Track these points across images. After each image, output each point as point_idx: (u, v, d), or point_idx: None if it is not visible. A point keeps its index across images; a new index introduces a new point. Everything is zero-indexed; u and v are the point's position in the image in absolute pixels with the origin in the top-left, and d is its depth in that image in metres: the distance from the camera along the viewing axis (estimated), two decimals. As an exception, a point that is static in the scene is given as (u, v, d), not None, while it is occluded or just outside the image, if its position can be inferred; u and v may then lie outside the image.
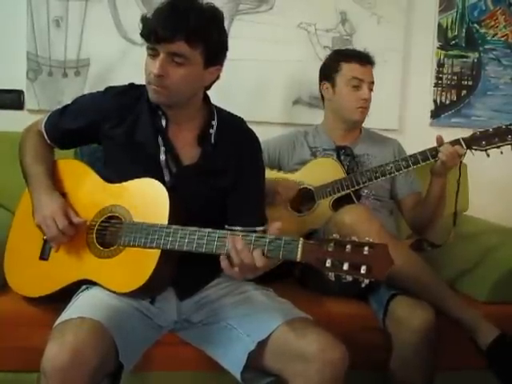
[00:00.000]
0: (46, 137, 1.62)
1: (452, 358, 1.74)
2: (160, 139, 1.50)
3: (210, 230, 1.33)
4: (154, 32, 1.38)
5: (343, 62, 2.04)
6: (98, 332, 1.27)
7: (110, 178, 1.54)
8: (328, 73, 2.08)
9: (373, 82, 2.04)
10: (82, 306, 1.37)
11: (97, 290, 1.44)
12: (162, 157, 1.50)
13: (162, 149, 1.50)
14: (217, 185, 1.52)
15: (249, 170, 1.55)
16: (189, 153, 1.52)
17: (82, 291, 1.46)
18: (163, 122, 1.51)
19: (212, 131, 1.53)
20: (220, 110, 1.59)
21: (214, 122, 1.54)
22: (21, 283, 1.57)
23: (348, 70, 2.02)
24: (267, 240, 1.27)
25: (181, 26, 1.37)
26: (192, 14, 1.38)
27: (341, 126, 2.10)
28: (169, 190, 1.43)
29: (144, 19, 1.43)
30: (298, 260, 1.24)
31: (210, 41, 1.41)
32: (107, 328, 1.29)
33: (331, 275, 1.20)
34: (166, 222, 1.39)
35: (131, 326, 1.38)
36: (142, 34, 1.43)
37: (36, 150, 1.60)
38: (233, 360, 1.41)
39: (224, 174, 1.52)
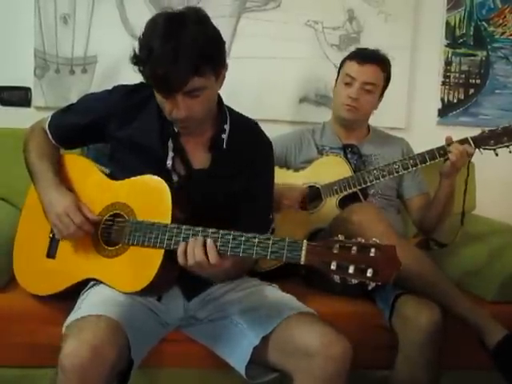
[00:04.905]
0: (50, 137, 1.60)
1: (458, 357, 1.74)
2: (170, 143, 1.47)
3: (212, 230, 1.31)
4: (166, 84, 1.32)
5: (347, 59, 2.05)
6: (114, 329, 1.28)
7: (115, 176, 1.53)
8: (338, 69, 2.10)
9: (370, 83, 1.99)
10: (96, 303, 1.37)
11: (105, 286, 1.44)
12: (169, 162, 1.47)
13: (171, 154, 1.47)
14: (226, 189, 1.49)
15: (260, 175, 1.53)
16: (199, 157, 1.50)
17: (91, 287, 1.47)
18: (175, 128, 1.47)
19: (224, 136, 1.50)
20: (233, 112, 1.56)
21: (227, 126, 1.51)
22: (29, 281, 1.58)
23: (346, 66, 2.03)
24: (270, 242, 1.25)
25: (189, 68, 1.30)
26: (192, 46, 1.29)
27: (338, 124, 2.10)
28: (175, 190, 1.42)
29: (146, 69, 1.34)
30: (302, 263, 1.21)
31: (214, 57, 1.36)
32: (121, 325, 1.30)
33: (336, 278, 1.17)
34: (169, 220, 1.38)
35: (141, 323, 1.39)
36: (152, 85, 1.36)
37: (41, 148, 1.58)
38: (237, 356, 1.41)
39: (235, 178, 1.50)
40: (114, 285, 1.42)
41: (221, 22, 2.27)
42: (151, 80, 1.35)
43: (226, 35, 2.30)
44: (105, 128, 1.52)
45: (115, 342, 1.26)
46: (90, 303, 1.38)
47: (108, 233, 1.47)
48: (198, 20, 1.34)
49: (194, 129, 1.45)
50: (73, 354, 1.22)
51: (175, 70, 1.29)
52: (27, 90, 2.30)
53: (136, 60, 1.35)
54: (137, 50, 1.35)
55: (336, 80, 2.09)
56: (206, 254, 1.28)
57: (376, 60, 2.01)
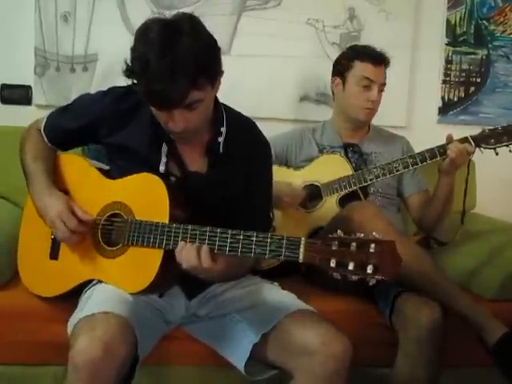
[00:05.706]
0: (45, 139, 1.57)
1: (458, 355, 1.74)
2: (165, 147, 1.45)
3: (210, 229, 1.30)
4: (163, 100, 1.28)
5: (357, 60, 2.01)
6: (124, 326, 1.28)
7: (113, 175, 1.52)
8: (341, 69, 2.05)
9: (384, 84, 2.02)
10: (102, 301, 1.37)
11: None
12: (162, 168, 1.45)
13: (163, 159, 1.44)
14: (225, 193, 1.48)
15: (259, 175, 1.52)
16: (196, 162, 1.48)
17: (94, 285, 1.47)
18: (170, 136, 1.43)
19: (221, 139, 1.47)
20: (230, 112, 1.52)
21: (223, 128, 1.48)
22: (34, 283, 1.59)
23: (360, 68, 2.00)
24: (269, 240, 1.23)
25: (187, 83, 1.25)
26: (189, 60, 1.24)
27: (347, 125, 2.10)
28: (173, 189, 1.40)
29: (141, 84, 1.29)
30: (301, 261, 1.19)
31: (211, 68, 1.31)
32: (130, 322, 1.31)
33: (336, 275, 1.15)
34: (167, 219, 1.36)
35: (145, 320, 1.40)
36: (146, 100, 1.32)
37: (37, 150, 1.56)
38: (237, 353, 1.42)
39: (233, 182, 1.48)
40: (116, 285, 1.42)
41: (221, 20, 2.34)
42: (147, 96, 1.31)
43: (226, 33, 2.37)
44: (98, 131, 1.50)
45: (125, 339, 1.27)
46: (97, 301, 1.38)
47: (108, 233, 1.46)
48: (192, 28, 1.28)
49: (191, 139, 1.43)
50: (85, 350, 1.22)
51: (173, 87, 1.24)
52: (28, 88, 2.30)
53: (129, 73, 1.30)
54: (129, 62, 1.29)
55: (336, 79, 2.07)
56: (199, 258, 1.27)
57: (385, 60, 2.02)
